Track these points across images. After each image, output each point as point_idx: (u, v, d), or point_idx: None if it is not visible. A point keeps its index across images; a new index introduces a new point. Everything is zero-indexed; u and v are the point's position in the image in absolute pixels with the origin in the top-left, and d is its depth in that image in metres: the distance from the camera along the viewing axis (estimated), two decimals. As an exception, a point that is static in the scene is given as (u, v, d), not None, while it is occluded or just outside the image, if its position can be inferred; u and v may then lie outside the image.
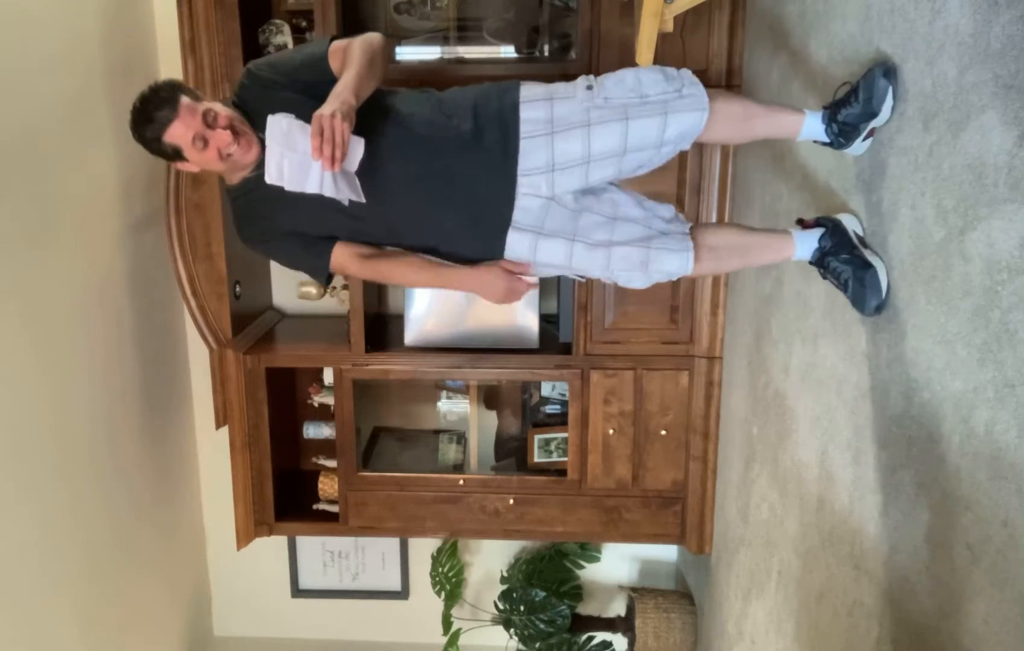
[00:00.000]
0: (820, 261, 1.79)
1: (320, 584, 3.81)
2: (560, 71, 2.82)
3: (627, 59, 2.70)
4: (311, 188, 1.58)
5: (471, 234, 1.81)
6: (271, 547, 3.67)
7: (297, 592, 3.81)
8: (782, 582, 2.28)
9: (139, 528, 3.12)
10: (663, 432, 3.04)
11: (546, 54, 3.07)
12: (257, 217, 1.84)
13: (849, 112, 1.69)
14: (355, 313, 2.99)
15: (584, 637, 3.44)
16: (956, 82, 1.42)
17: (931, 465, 1.49)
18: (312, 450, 3.48)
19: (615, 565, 3.72)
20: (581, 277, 1.90)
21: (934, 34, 1.49)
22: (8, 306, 2.35)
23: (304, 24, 3.02)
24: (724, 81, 2.72)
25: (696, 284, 2.90)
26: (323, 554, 3.78)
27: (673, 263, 1.81)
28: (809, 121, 1.80)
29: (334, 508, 3.27)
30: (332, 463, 3.28)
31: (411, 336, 3.05)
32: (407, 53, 3.14)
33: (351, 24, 2.95)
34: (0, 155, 2.31)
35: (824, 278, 1.80)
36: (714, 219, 2.83)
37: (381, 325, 3.36)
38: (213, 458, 3.58)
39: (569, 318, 2.97)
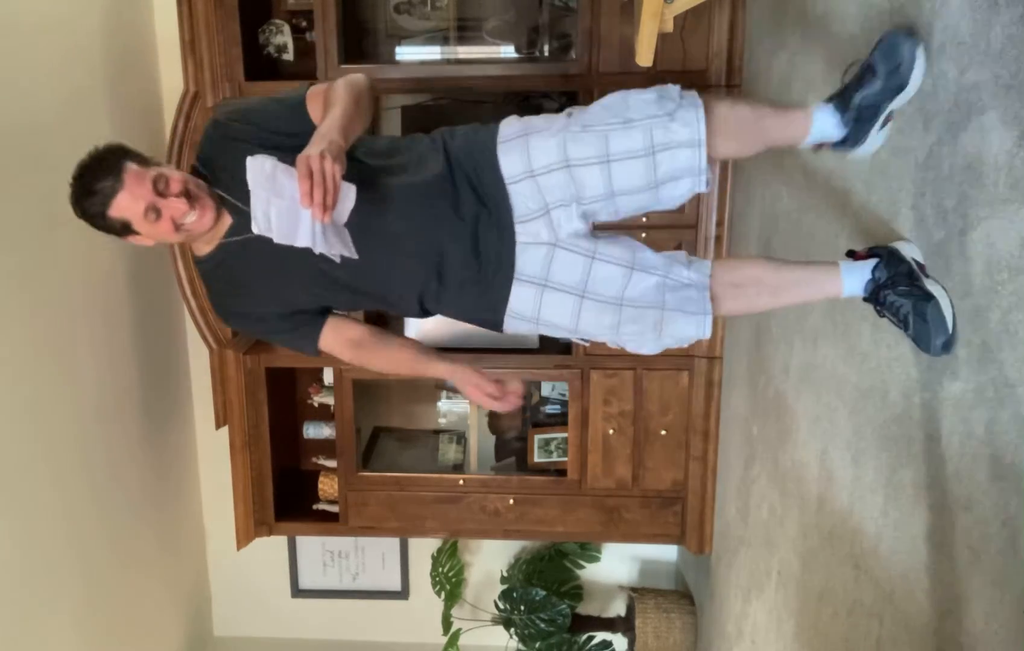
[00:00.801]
0: (875, 296, 1.54)
1: (320, 584, 3.81)
2: (560, 71, 2.82)
3: (627, 59, 2.71)
4: (302, 241, 1.35)
5: (473, 294, 1.68)
6: (271, 547, 3.66)
7: (297, 592, 3.81)
8: (782, 582, 2.28)
9: (139, 528, 3.12)
10: (663, 432, 3.04)
11: (546, 54, 3.08)
12: (233, 291, 1.68)
13: (868, 92, 1.46)
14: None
15: (584, 637, 3.44)
16: (956, 82, 1.41)
17: (931, 465, 1.49)
18: (312, 450, 3.48)
19: (615, 565, 3.72)
20: (584, 341, 1.74)
21: (934, 34, 1.49)
22: (8, 305, 2.35)
23: (304, 24, 3.02)
24: (724, 81, 2.72)
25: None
26: (323, 554, 3.78)
27: (688, 328, 1.64)
28: (818, 120, 1.58)
29: (334, 508, 3.27)
30: (332, 463, 3.28)
31: (411, 336, 3.04)
32: (407, 53, 3.14)
33: (351, 24, 2.95)
34: (1, 155, 2.31)
35: (881, 316, 1.56)
36: (714, 220, 2.82)
37: (381, 325, 3.35)
38: (213, 458, 3.58)
39: (569, 318, 2.97)
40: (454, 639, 3.40)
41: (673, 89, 1.57)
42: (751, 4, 2.64)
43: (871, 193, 1.74)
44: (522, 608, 3.35)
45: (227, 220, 1.61)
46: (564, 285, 1.63)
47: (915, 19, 1.55)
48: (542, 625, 3.32)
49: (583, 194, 1.59)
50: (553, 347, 3.06)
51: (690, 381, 2.99)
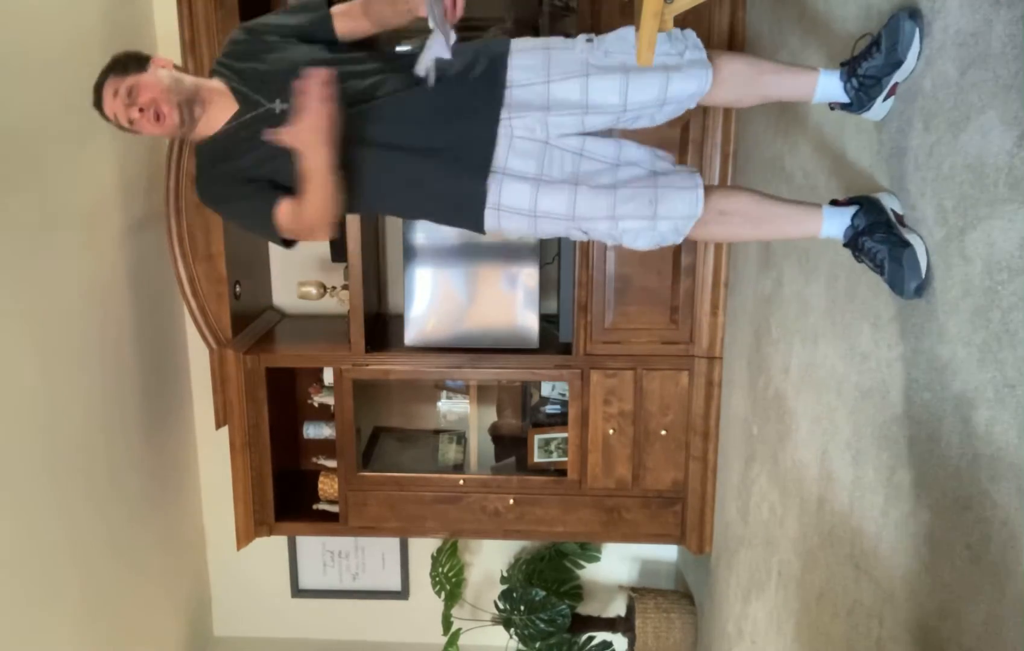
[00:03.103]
0: (854, 242, 1.66)
1: (320, 584, 3.81)
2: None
3: (627, 59, 2.70)
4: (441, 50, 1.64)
5: (452, 169, 1.75)
6: (271, 547, 3.67)
7: (297, 592, 3.81)
8: (782, 582, 2.28)
9: (139, 528, 3.12)
10: (663, 432, 3.04)
11: (546, 54, 3.07)
12: (220, 162, 1.80)
13: (871, 64, 1.58)
14: (355, 313, 2.99)
15: (584, 637, 3.44)
16: (956, 82, 1.42)
17: (931, 465, 1.49)
18: (312, 450, 3.48)
19: (615, 565, 3.72)
20: (584, 233, 1.79)
21: (934, 34, 1.49)
22: (8, 306, 2.35)
23: (304, 24, 3.02)
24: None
25: (696, 284, 2.90)
26: (323, 554, 3.78)
27: (682, 204, 1.70)
28: (825, 80, 1.70)
29: (334, 508, 3.27)
30: (332, 463, 3.28)
31: (411, 336, 3.05)
32: (406, 52, 3.13)
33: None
34: (0, 156, 2.31)
35: (859, 261, 1.67)
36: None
37: (381, 325, 3.36)
38: (213, 458, 3.58)
39: (569, 318, 2.97)
40: (454, 639, 3.40)
41: (678, 31, 1.72)
42: (751, 4, 2.64)
43: (871, 194, 1.74)
44: (522, 608, 3.35)
45: (233, 108, 1.77)
46: (558, 179, 1.73)
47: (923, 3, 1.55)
48: (542, 625, 3.32)
49: (592, 99, 1.70)
50: (553, 347, 3.07)
51: (690, 381, 2.99)
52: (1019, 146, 1.24)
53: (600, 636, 3.46)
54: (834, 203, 1.74)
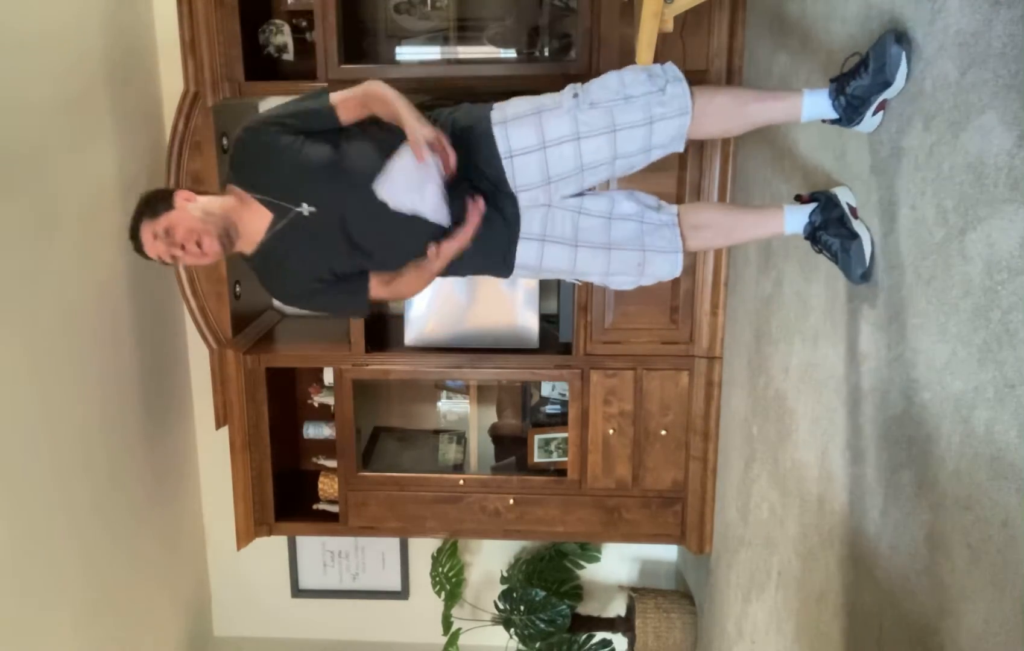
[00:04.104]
0: (812, 235, 1.84)
1: (320, 584, 3.81)
2: (560, 71, 2.82)
3: (627, 59, 2.69)
4: (428, 205, 1.75)
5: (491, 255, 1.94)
6: (271, 547, 3.67)
7: (297, 592, 3.81)
8: (782, 582, 2.28)
9: (139, 528, 3.12)
10: (663, 432, 3.04)
11: (546, 54, 3.08)
12: (281, 274, 1.92)
13: (859, 84, 1.63)
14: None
15: (584, 637, 3.44)
16: (956, 82, 1.42)
17: (931, 465, 1.49)
18: (312, 450, 3.48)
19: (615, 565, 3.72)
20: (579, 281, 2.03)
21: (934, 34, 1.49)
22: (7, 306, 2.35)
23: (304, 24, 3.02)
24: (724, 81, 2.72)
25: (696, 284, 2.90)
26: (323, 554, 3.78)
27: (664, 267, 1.93)
28: (811, 100, 1.75)
29: (334, 508, 3.27)
30: (332, 463, 3.28)
31: (411, 336, 3.05)
32: (407, 53, 3.14)
33: (351, 24, 2.95)
34: (0, 155, 2.31)
35: (818, 252, 1.85)
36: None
37: (381, 325, 3.36)
38: (213, 458, 3.58)
39: (569, 318, 2.97)
40: (454, 639, 3.40)
41: (658, 67, 1.82)
42: (751, 4, 2.64)
43: (871, 193, 1.74)
44: (522, 608, 3.35)
45: (267, 217, 1.82)
46: (560, 238, 1.92)
47: (912, 19, 1.55)
48: (542, 625, 3.32)
49: (587, 160, 1.83)
50: (553, 347, 3.07)
51: (690, 381, 2.99)
52: (1019, 146, 1.24)
53: (600, 636, 3.46)
54: (798, 199, 1.91)
